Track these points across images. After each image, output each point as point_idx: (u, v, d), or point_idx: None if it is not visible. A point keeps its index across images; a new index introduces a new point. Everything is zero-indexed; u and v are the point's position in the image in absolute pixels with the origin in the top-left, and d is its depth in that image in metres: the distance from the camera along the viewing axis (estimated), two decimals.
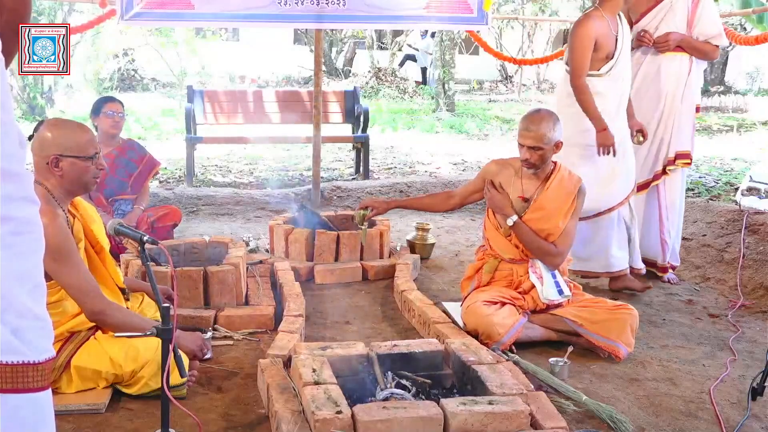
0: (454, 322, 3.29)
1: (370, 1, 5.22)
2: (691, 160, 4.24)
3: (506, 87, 19.31)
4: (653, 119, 4.13)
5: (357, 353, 2.63)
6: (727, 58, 18.69)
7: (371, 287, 4.06)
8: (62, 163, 2.46)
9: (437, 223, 5.55)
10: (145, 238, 2.25)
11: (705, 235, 4.84)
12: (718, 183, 7.44)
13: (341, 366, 2.54)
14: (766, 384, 2.62)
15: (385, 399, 2.33)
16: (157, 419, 2.23)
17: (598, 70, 3.83)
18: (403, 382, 2.51)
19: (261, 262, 4.03)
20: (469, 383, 2.55)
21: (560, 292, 3.25)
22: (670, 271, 4.33)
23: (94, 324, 2.51)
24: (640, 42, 4.08)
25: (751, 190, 5.66)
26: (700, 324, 3.66)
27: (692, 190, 6.85)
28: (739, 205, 5.12)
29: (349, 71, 18.44)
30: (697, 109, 4.30)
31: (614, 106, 3.88)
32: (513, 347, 3.09)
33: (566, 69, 3.91)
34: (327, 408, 2.17)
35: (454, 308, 3.53)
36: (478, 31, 6.64)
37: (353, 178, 7.26)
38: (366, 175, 7.12)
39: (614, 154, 3.81)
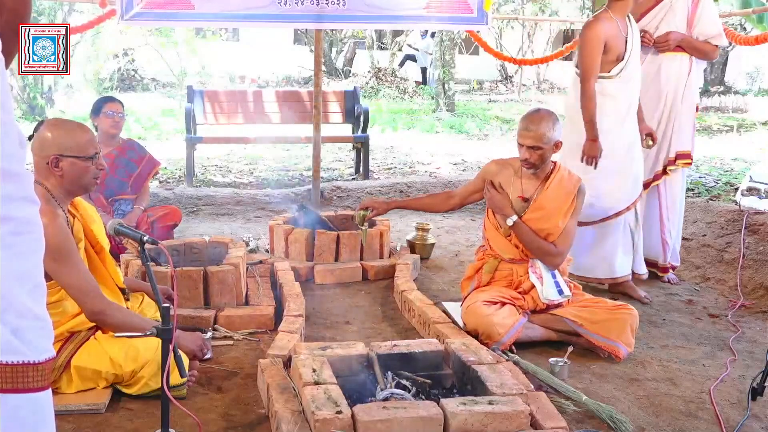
0: (454, 322, 3.29)
1: (370, 1, 5.23)
2: (692, 160, 4.24)
3: (506, 87, 19.31)
4: (653, 119, 4.12)
5: (357, 353, 2.63)
6: (727, 58, 18.69)
7: (371, 287, 4.06)
8: (62, 163, 2.46)
9: (437, 223, 5.55)
10: (145, 238, 2.25)
11: (705, 235, 4.84)
12: (718, 183, 7.44)
13: (341, 366, 2.54)
14: (766, 384, 2.62)
15: (385, 399, 2.33)
16: (157, 419, 2.23)
17: (609, 72, 3.82)
18: (403, 382, 2.51)
19: (261, 262, 4.03)
20: (469, 383, 2.55)
21: (560, 292, 3.25)
22: (671, 271, 4.33)
23: (94, 324, 2.51)
24: (640, 42, 4.07)
25: (751, 190, 5.66)
26: (700, 324, 3.66)
27: (692, 190, 6.85)
28: (739, 205, 5.12)
29: (349, 71, 18.44)
30: (696, 109, 4.30)
31: (625, 108, 3.86)
32: (513, 347, 3.09)
33: (576, 72, 3.90)
34: (327, 408, 2.17)
35: (454, 308, 3.53)
36: (478, 31, 6.64)
37: (353, 178, 7.26)
38: (366, 175, 7.12)
39: (595, 167, 3.80)
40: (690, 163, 4.26)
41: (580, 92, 3.80)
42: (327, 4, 5.14)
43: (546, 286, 3.24)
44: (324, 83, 12.35)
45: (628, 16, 3.86)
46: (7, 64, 1.20)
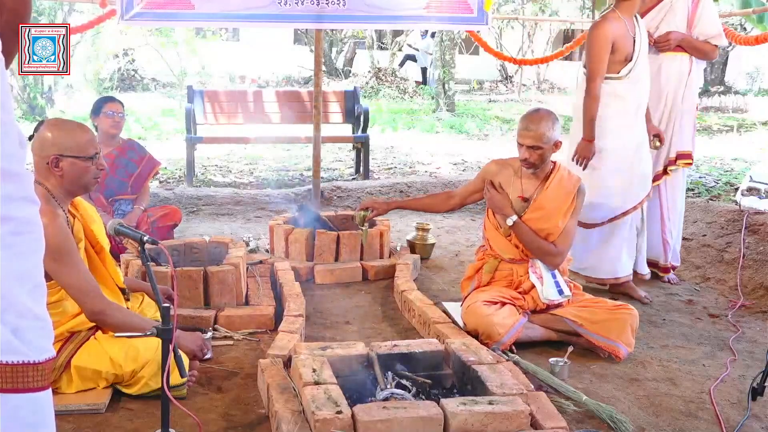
0: (454, 322, 3.29)
1: (370, 1, 5.22)
2: (692, 160, 4.24)
3: (506, 87, 19.31)
4: (654, 119, 4.12)
5: (357, 353, 2.63)
6: (727, 58, 18.69)
7: (371, 287, 4.06)
8: (62, 163, 2.46)
9: (437, 223, 5.55)
10: (145, 238, 2.25)
11: (705, 235, 4.84)
12: (718, 183, 7.44)
13: (341, 366, 2.54)
14: (766, 384, 2.62)
15: (385, 399, 2.33)
16: (157, 419, 2.23)
17: (618, 73, 3.81)
18: (403, 382, 2.51)
19: (261, 262, 4.03)
20: (469, 383, 2.55)
21: (560, 292, 3.25)
22: (671, 271, 4.33)
23: (94, 324, 2.51)
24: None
25: (751, 190, 5.66)
26: (700, 324, 3.66)
27: (692, 190, 6.85)
28: (739, 205, 5.12)
29: (349, 71, 18.44)
30: (695, 108, 4.30)
31: (634, 109, 3.85)
32: (513, 347, 3.09)
33: (584, 72, 3.90)
34: (327, 408, 2.17)
35: (454, 308, 3.53)
36: (478, 31, 6.64)
37: (353, 178, 7.26)
38: (366, 175, 7.12)
39: (584, 168, 3.80)
40: (690, 163, 4.25)
41: (585, 91, 3.80)
42: (327, 4, 5.14)
43: (546, 286, 3.25)
44: (324, 83, 12.36)
45: (635, 16, 3.86)
46: (8, 64, 1.21)
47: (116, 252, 3.64)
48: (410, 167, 8.21)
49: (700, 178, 7.63)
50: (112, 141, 4.40)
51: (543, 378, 2.80)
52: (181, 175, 7.23)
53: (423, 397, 2.46)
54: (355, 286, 4.06)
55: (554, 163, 3.36)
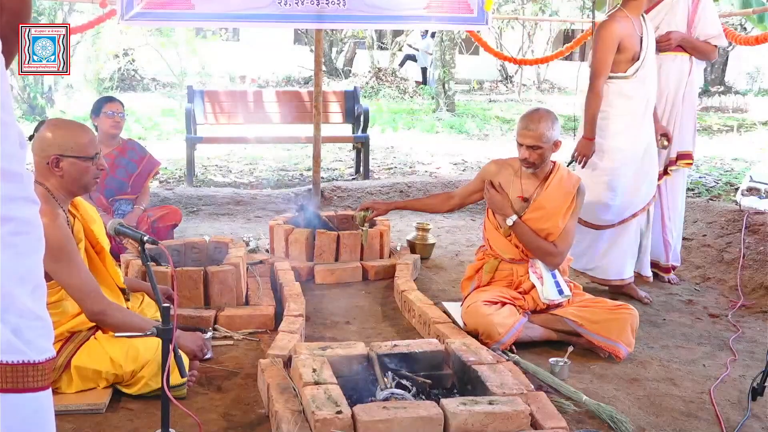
0: (454, 322, 3.29)
1: (371, 1, 5.22)
2: (693, 160, 4.24)
3: (506, 87, 19.32)
4: None
5: (357, 353, 2.63)
6: (727, 58, 18.70)
7: (371, 287, 4.06)
8: (62, 163, 2.46)
9: (437, 223, 5.55)
10: (145, 238, 2.25)
11: (705, 235, 4.84)
12: (718, 183, 7.43)
13: (341, 366, 2.54)
14: (766, 384, 2.63)
15: (386, 399, 2.33)
16: (157, 419, 2.23)
17: (625, 72, 3.80)
18: (404, 382, 2.51)
19: (261, 262, 4.03)
20: (469, 383, 2.55)
21: (560, 292, 3.25)
22: (672, 271, 4.33)
23: (94, 324, 2.51)
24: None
25: (751, 190, 5.66)
26: (700, 324, 3.66)
27: (692, 190, 6.84)
28: (739, 205, 5.12)
29: (349, 71, 18.45)
30: None
31: (641, 109, 3.84)
32: (513, 347, 3.09)
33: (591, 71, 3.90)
34: (327, 408, 2.17)
35: (454, 308, 3.53)
36: (478, 31, 6.65)
37: (353, 178, 7.26)
38: (366, 175, 7.12)
39: (583, 167, 3.80)
40: (691, 164, 4.25)
41: (588, 88, 3.79)
42: (327, 4, 5.14)
43: (546, 286, 3.25)
44: (324, 83, 12.34)
45: (642, 15, 3.85)
46: (8, 64, 1.21)
47: (116, 252, 3.64)
48: (410, 167, 8.21)
49: (700, 178, 7.63)
50: (113, 141, 4.40)
51: (543, 378, 2.80)
52: (181, 175, 7.23)
53: (423, 397, 2.46)
54: (356, 286, 4.06)
55: (554, 162, 3.36)
